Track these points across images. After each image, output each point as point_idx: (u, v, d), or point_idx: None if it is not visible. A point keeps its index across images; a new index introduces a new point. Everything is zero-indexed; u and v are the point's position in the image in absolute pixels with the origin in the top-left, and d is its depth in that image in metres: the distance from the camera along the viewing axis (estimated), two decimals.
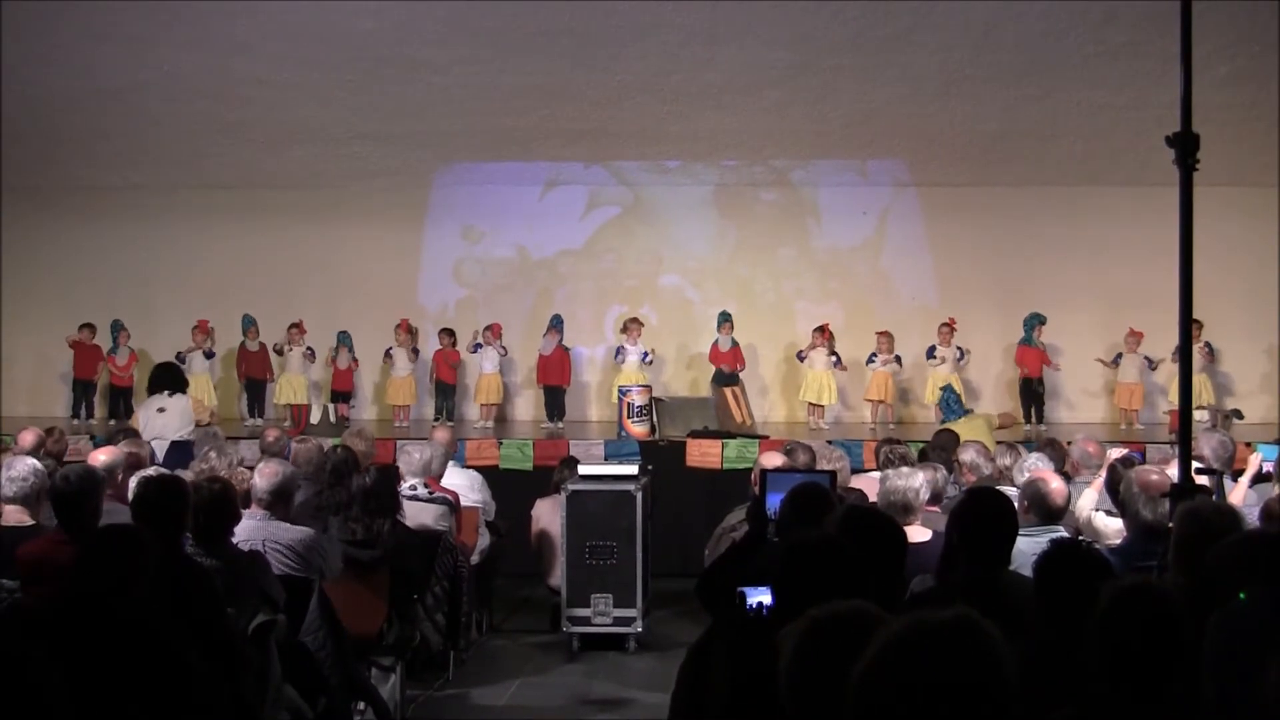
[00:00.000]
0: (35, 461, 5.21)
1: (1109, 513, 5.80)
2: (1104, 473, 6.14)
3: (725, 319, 12.43)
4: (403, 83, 11.25)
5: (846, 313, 13.34)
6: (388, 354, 12.85)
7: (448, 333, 12.82)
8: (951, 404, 10.81)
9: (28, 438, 7.50)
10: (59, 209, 13.50)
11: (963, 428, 9.16)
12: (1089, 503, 6.02)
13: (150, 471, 5.73)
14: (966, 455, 7.10)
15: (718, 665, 3.06)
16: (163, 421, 9.59)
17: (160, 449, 9.18)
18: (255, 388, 12.83)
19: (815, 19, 10.27)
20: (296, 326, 12.69)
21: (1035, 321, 12.45)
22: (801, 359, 12.62)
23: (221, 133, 12.25)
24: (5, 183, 12.28)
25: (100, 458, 6.26)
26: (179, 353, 12.29)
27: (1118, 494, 5.37)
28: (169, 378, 10.07)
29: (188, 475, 5.73)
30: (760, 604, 3.13)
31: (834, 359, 12.47)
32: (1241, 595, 3.41)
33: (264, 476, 5.55)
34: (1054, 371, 12.74)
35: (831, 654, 2.09)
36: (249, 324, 12.70)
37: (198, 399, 10.32)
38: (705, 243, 13.86)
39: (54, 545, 4.38)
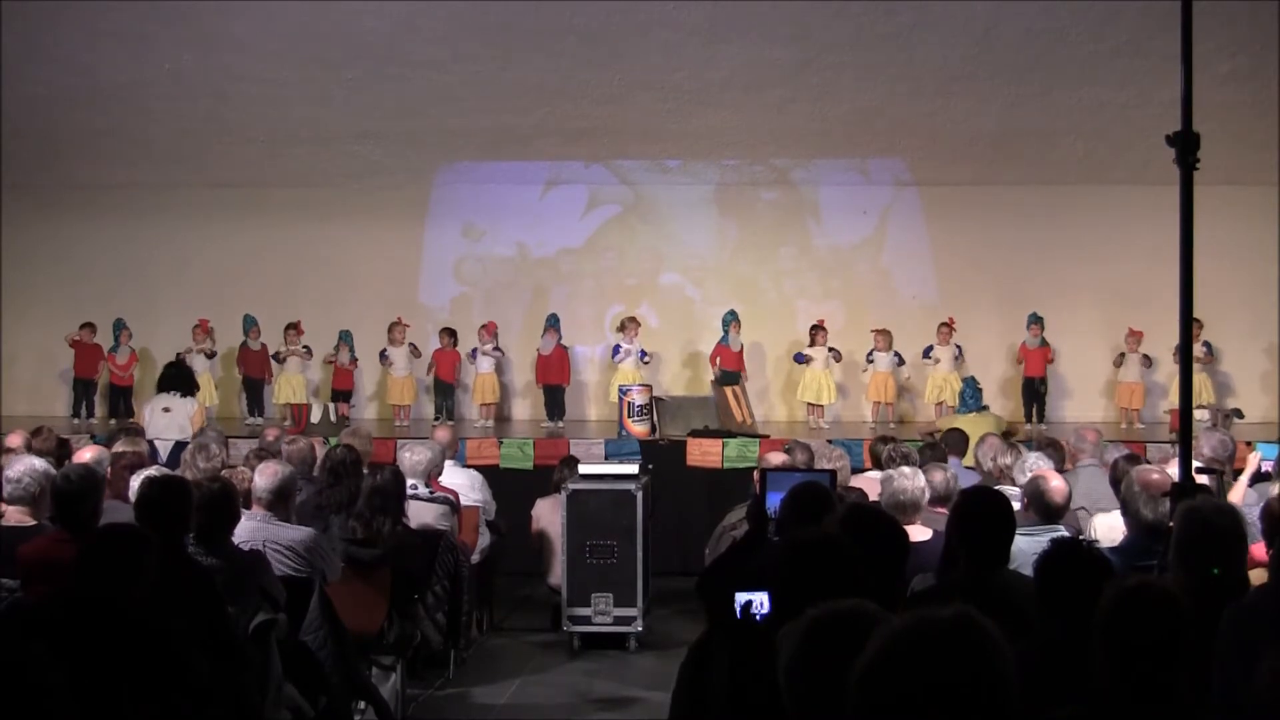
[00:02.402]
0: (38, 461, 5.20)
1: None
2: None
3: (733, 318, 12.41)
4: (403, 81, 11.24)
5: (847, 312, 13.34)
6: (383, 355, 12.83)
7: (448, 332, 12.82)
8: (967, 398, 10.85)
9: (14, 439, 7.47)
10: (59, 207, 13.51)
11: (971, 423, 9.19)
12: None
13: (153, 471, 5.72)
14: (978, 451, 7.20)
15: (718, 664, 3.06)
16: (165, 421, 9.60)
17: (163, 449, 9.21)
18: (255, 387, 12.83)
19: (816, 17, 10.26)
20: (294, 327, 12.69)
21: (1031, 321, 12.46)
22: (800, 361, 12.57)
23: (222, 131, 12.25)
24: (5, 181, 12.28)
25: (85, 456, 6.26)
26: (178, 354, 12.28)
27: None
28: (180, 379, 10.07)
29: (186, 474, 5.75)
30: (751, 604, 3.13)
31: (833, 354, 12.48)
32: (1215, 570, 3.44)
33: (264, 476, 5.56)
34: (1053, 368, 12.73)
35: (831, 653, 2.09)
36: (251, 324, 12.70)
37: (201, 407, 10.31)
38: (706, 241, 13.87)
39: (55, 544, 4.37)
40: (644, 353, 12.44)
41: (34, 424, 8.35)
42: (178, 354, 12.23)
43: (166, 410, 9.65)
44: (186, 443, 9.10)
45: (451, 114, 11.88)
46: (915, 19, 10.25)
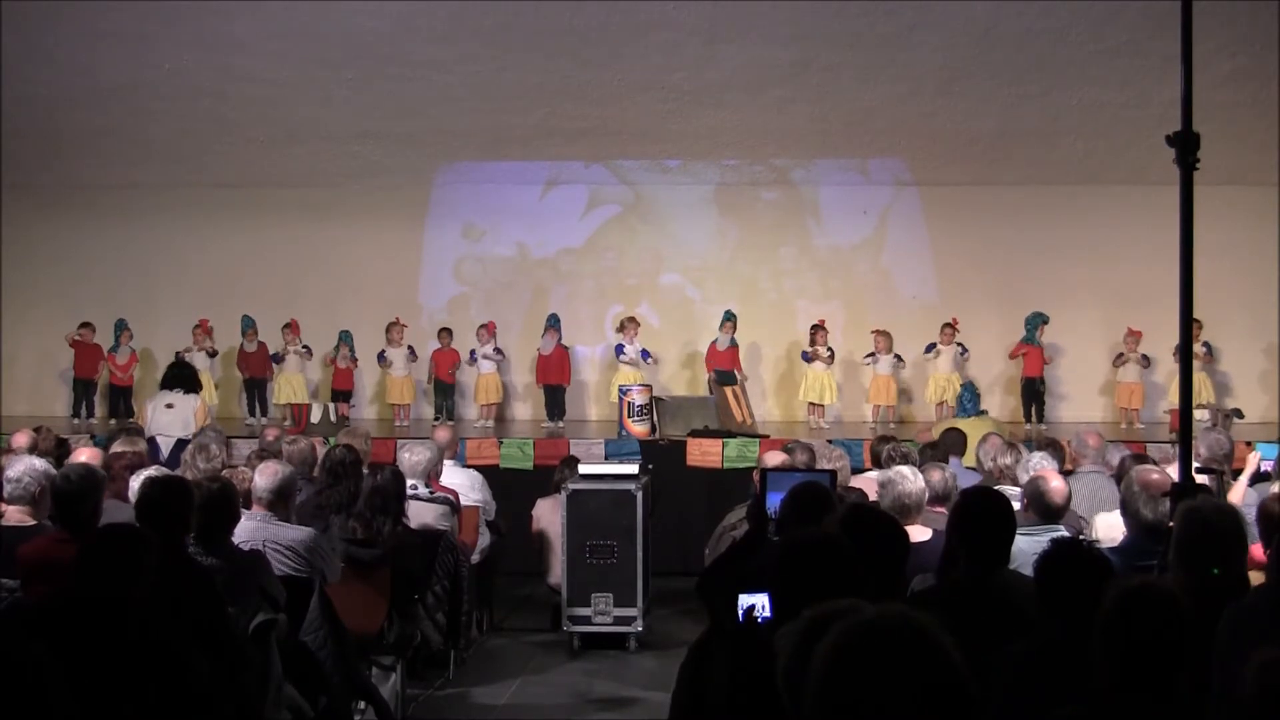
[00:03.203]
0: (36, 461, 5.20)
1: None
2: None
3: (728, 318, 12.42)
4: (403, 81, 11.25)
5: (847, 312, 13.35)
6: (381, 356, 12.83)
7: (447, 332, 12.82)
8: (966, 401, 10.86)
9: (21, 439, 7.48)
10: (59, 207, 13.51)
11: (970, 425, 9.18)
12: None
13: (153, 471, 5.72)
14: (980, 450, 7.21)
15: (718, 664, 3.06)
16: (169, 418, 9.61)
17: (165, 445, 9.23)
18: (257, 387, 12.83)
19: (816, 17, 10.26)
20: (290, 327, 12.69)
21: (1039, 321, 12.45)
22: (807, 359, 12.57)
23: (222, 131, 12.25)
24: (6, 181, 12.28)
25: (81, 457, 6.26)
26: (178, 352, 12.28)
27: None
28: (183, 377, 10.08)
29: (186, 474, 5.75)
30: (754, 608, 3.13)
31: (829, 353, 12.48)
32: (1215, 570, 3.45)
33: (265, 476, 5.55)
34: (1052, 368, 12.74)
35: None
36: (248, 325, 12.70)
37: (204, 404, 10.33)
38: (706, 242, 13.87)
39: (55, 544, 4.38)
40: (646, 352, 12.45)
41: (34, 424, 8.36)
42: (177, 353, 12.23)
43: (169, 406, 9.66)
44: (189, 440, 9.15)
45: (451, 114, 11.89)
46: (915, 19, 10.25)
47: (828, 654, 1.85)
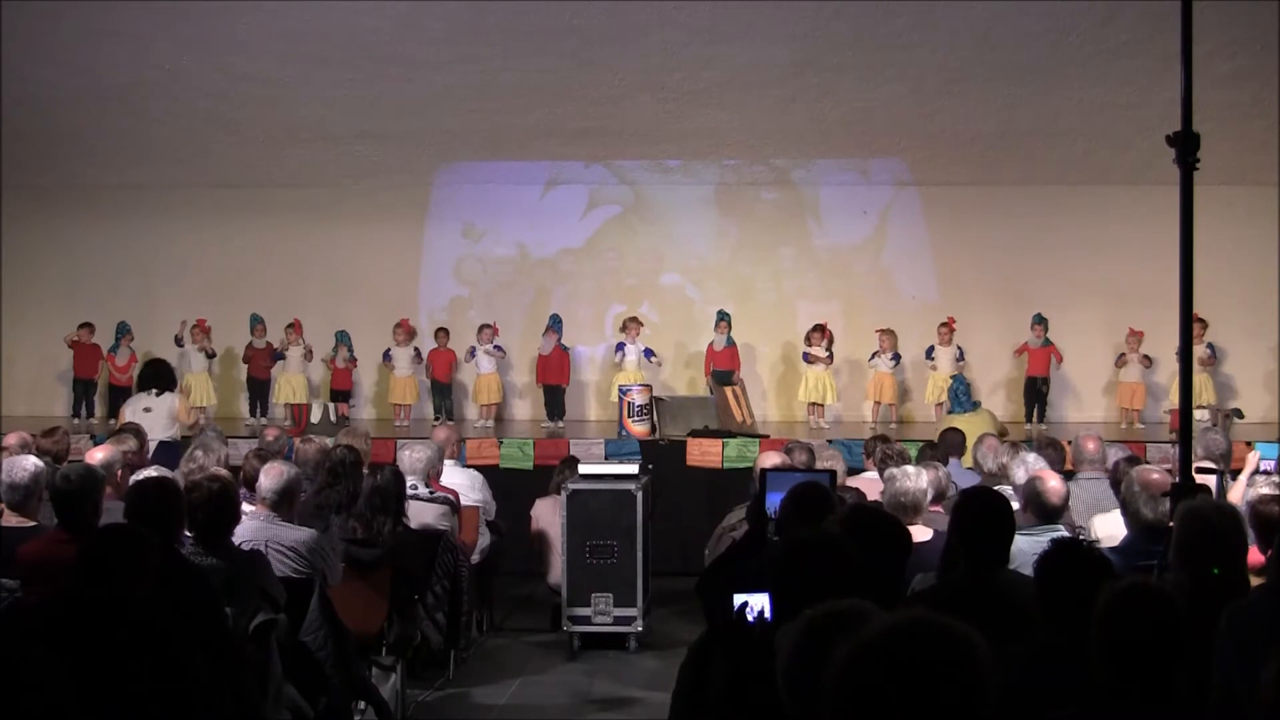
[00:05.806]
0: (35, 461, 5.20)
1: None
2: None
3: (722, 318, 12.43)
4: (404, 81, 11.25)
5: (847, 312, 13.34)
6: (386, 355, 12.83)
7: (444, 332, 12.82)
8: (960, 396, 10.83)
9: (12, 439, 7.44)
10: (60, 208, 13.50)
11: (968, 422, 9.18)
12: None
13: (145, 473, 5.71)
14: (977, 452, 7.20)
15: (717, 665, 3.06)
16: (148, 422, 9.58)
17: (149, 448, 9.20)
18: (258, 387, 12.82)
19: (816, 18, 10.27)
20: (292, 327, 12.69)
21: (1034, 321, 12.45)
22: (809, 361, 12.57)
23: (222, 131, 12.25)
24: (6, 181, 12.27)
25: (98, 455, 6.27)
26: (177, 335, 12.29)
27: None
28: (158, 375, 10.03)
29: (177, 475, 5.75)
30: (746, 606, 3.14)
31: (829, 355, 12.48)
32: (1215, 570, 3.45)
33: (270, 476, 5.54)
34: (1058, 369, 12.73)
35: (829, 653, 2.09)
36: (256, 321, 12.70)
37: (184, 399, 10.27)
38: (706, 242, 13.86)
39: (55, 545, 4.38)
40: (649, 351, 12.45)
41: (34, 424, 8.37)
42: (176, 336, 12.23)
43: (147, 410, 9.62)
44: (170, 440, 9.12)
45: (451, 114, 11.88)
46: (915, 19, 10.26)
47: (847, 660, 1.84)
